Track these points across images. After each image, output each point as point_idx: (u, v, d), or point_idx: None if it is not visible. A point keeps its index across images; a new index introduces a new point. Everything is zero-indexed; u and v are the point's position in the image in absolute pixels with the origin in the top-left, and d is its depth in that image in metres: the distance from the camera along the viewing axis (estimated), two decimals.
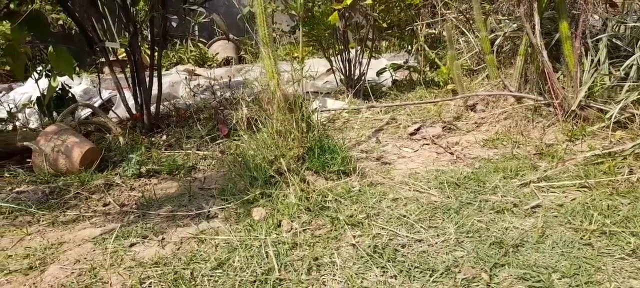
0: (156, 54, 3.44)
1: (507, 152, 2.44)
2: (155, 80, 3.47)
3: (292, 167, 2.00)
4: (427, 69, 4.34)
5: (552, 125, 2.68)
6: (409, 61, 4.40)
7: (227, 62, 6.22)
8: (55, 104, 3.95)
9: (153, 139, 3.24)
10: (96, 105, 4.76)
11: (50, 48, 3.44)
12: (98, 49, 3.26)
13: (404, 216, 1.76)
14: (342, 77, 4.11)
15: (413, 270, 1.43)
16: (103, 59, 4.42)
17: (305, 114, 2.15)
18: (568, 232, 1.60)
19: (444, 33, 4.04)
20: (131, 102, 3.56)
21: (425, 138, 2.81)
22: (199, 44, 6.43)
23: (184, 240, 1.68)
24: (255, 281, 1.38)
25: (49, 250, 1.66)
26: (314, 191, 1.89)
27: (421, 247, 1.56)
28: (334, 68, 4.16)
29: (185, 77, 4.34)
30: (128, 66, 3.73)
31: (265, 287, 1.35)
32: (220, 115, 3.24)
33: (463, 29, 3.78)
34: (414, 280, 1.38)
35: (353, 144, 2.71)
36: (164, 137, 3.33)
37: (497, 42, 3.34)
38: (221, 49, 6.27)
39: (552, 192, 1.93)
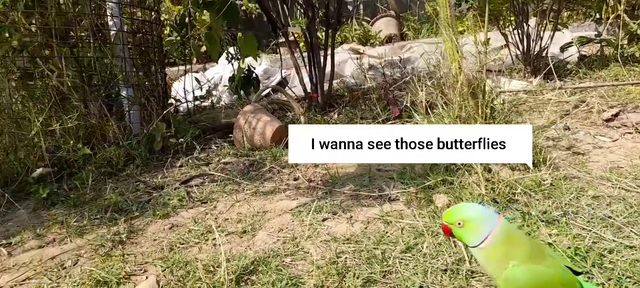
0: (330, 35, 3.62)
1: None
2: (328, 60, 3.67)
3: None
4: (625, 42, 3.75)
5: None
6: (602, 33, 3.85)
7: (389, 39, 6.25)
8: (242, 83, 4.47)
9: (326, 118, 3.45)
10: (273, 83, 5.26)
11: (239, 33, 3.90)
12: (281, 32, 3.57)
13: (609, 217, 1.59)
14: (518, 53, 3.81)
15: (624, 280, 1.29)
16: (281, 40, 4.81)
17: (488, 99, 2.06)
18: None
19: None
20: (305, 80, 3.84)
21: (626, 125, 2.46)
22: (363, 22, 6.56)
23: (370, 220, 1.78)
24: (446, 270, 1.41)
25: (256, 217, 1.92)
26: (500, 182, 1.82)
27: (633, 254, 1.40)
28: (509, 43, 3.87)
29: (356, 58, 4.49)
30: (298, 47, 4.02)
31: (457, 277, 1.37)
32: (390, 96, 3.29)
33: None
34: None
35: (537, 130, 2.51)
36: (335, 115, 3.52)
37: None
38: (384, 26, 6.31)
39: None
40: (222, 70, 5.26)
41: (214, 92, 4.52)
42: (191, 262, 1.62)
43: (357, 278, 1.41)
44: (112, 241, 1.82)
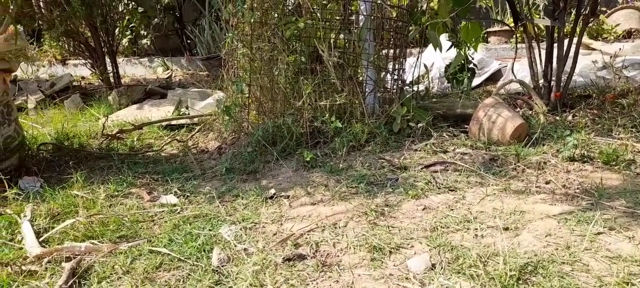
0: (578, 28, 3.30)
1: None
2: (570, 54, 3.36)
3: None
4: None
5: None
6: None
7: (628, 34, 5.41)
8: (457, 71, 4.41)
9: (557, 118, 3.18)
10: (487, 75, 5.05)
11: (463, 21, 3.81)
12: (521, 23, 3.38)
13: None
14: None
15: None
16: (492, 29, 4.55)
17: None
18: None
19: None
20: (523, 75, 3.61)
21: None
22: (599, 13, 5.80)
23: None
24: None
25: (514, 215, 1.88)
26: None
27: None
28: None
29: (602, 62, 4.01)
30: (512, 37, 3.78)
31: None
32: None
33: None
34: None
35: None
36: (570, 117, 3.22)
37: None
38: (623, 19, 5.47)
39: None
40: (433, 56, 5.25)
41: (424, 79, 4.56)
42: (458, 248, 1.68)
43: None
44: (375, 211, 2.00)
